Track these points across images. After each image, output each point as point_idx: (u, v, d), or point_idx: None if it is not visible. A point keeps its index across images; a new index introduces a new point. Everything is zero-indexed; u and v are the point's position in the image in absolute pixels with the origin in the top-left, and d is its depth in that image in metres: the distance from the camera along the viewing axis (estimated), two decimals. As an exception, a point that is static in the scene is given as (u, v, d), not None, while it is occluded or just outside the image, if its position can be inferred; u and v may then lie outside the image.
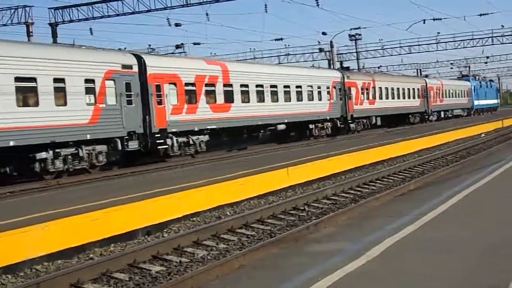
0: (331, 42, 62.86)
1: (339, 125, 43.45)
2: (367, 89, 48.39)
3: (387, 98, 51.84)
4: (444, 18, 62.60)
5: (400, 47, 74.04)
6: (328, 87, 42.53)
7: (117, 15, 43.63)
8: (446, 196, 13.46)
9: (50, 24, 43.84)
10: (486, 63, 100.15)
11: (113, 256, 11.43)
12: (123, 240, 12.92)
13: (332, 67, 58.17)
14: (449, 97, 69.02)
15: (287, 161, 20.24)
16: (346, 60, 74.40)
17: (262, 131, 36.75)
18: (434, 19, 62.17)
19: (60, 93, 22.86)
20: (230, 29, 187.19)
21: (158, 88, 27.44)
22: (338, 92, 43.77)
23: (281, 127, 36.89)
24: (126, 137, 25.45)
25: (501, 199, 12.87)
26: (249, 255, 10.77)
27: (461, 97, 74.14)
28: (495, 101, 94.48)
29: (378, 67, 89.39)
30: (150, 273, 10.65)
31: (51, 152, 22.35)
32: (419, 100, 59.37)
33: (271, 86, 36.14)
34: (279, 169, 19.30)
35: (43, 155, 22.08)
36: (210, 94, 31.01)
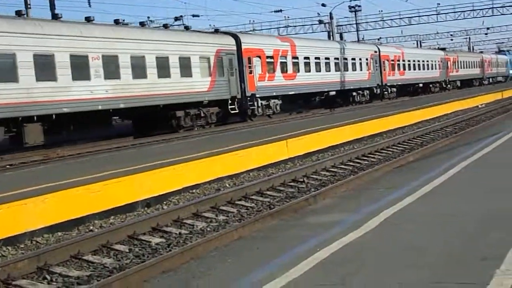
0: (330, 13, 62.70)
1: (443, 85, 68.75)
2: (454, 62, 73.24)
3: (463, 68, 76.90)
4: (445, -11, 62.50)
5: (400, 18, 73.68)
6: (438, 61, 67.59)
7: (116, -14, 43.36)
8: (444, 167, 13.46)
9: (48, -4, 43.46)
10: (486, 34, 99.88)
11: (113, 228, 11.51)
12: (122, 212, 12.98)
13: (332, 39, 58.49)
14: (495, 67, 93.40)
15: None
16: (346, 32, 74.12)
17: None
18: (434, -10, 62.05)
19: (358, 65, 47.99)
20: (229, 0, 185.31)
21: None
22: (442, 64, 68.29)
23: (420, 85, 63.19)
24: (374, 87, 51.14)
25: (499, 171, 12.88)
26: (248, 226, 10.84)
27: (502, 67, 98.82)
28: None
29: (378, 39, 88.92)
30: (150, 245, 10.73)
31: (356, 92, 47.16)
32: (479, 69, 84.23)
33: (413, 61, 60.26)
34: (279, 141, 19.32)
35: (354, 93, 47.58)
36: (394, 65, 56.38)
